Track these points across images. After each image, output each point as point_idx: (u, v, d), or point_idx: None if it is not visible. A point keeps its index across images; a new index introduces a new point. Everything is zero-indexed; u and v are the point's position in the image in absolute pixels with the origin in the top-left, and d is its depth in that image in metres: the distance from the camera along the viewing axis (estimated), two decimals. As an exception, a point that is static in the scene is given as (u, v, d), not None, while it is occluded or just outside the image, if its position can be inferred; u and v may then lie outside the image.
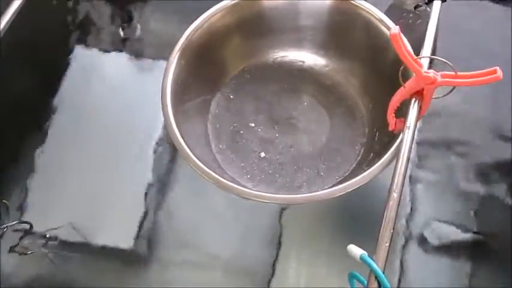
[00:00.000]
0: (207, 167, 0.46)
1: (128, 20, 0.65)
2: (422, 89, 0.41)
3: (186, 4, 0.62)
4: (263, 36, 0.57)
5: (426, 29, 0.45)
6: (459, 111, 0.57)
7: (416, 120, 0.41)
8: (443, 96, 0.41)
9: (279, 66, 0.59)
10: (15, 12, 0.48)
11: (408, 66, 0.39)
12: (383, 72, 0.52)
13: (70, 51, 0.63)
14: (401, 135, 0.41)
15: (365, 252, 0.34)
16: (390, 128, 0.45)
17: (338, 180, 0.52)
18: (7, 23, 0.48)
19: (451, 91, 0.41)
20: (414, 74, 0.40)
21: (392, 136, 0.46)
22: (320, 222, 0.53)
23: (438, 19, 0.46)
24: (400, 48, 0.38)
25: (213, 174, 0.46)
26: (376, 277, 0.33)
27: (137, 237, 0.52)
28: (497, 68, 0.37)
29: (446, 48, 0.52)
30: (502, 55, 0.59)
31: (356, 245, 0.35)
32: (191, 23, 0.52)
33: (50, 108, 0.60)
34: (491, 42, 0.61)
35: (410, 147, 0.39)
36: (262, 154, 0.54)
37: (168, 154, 0.57)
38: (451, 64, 0.39)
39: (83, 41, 0.64)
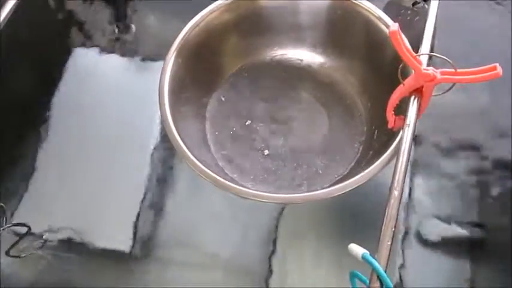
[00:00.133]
0: (205, 166, 0.46)
1: (124, 20, 0.65)
2: (422, 87, 0.41)
3: (182, 2, 0.62)
4: (261, 34, 0.57)
5: (424, 26, 0.45)
6: (458, 108, 0.57)
7: (416, 118, 0.41)
8: (442, 93, 0.41)
9: (277, 65, 0.58)
10: (10, 11, 0.48)
11: (408, 63, 0.39)
12: (381, 70, 0.52)
13: (68, 51, 0.63)
14: (400, 133, 0.41)
15: (367, 251, 0.34)
16: (389, 126, 0.45)
17: (337, 178, 0.51)
18: (2, 22, 0.47)
19: (450, 88, 0.40)
20: (413, 72, 0.40)
21: (392, 134, 0.45)
22: (319, 221, 0.52)
23: (436, 16, 0.46)
24: (399, 46, 0.38)
25: (211, 173, 0.45)
26: (378, 276, 0.33)
27: (135, 237, 0.52)
28: (497, 64, 0.37)
29: (445, 45, 0.52)
30: (502, 52, 0.59)
31: (355, 244, 0.35)
32: (188, 22, 0.52)
33: (48, 108, 0.59)
34: (491, 39, 0.61)
35: (411, 145, 0.39)
36: (261, 152, 0.54)
37: (166, 153, 0.56)
38: (450, 61, 0.39)
39: (80, 41, 0.64)
